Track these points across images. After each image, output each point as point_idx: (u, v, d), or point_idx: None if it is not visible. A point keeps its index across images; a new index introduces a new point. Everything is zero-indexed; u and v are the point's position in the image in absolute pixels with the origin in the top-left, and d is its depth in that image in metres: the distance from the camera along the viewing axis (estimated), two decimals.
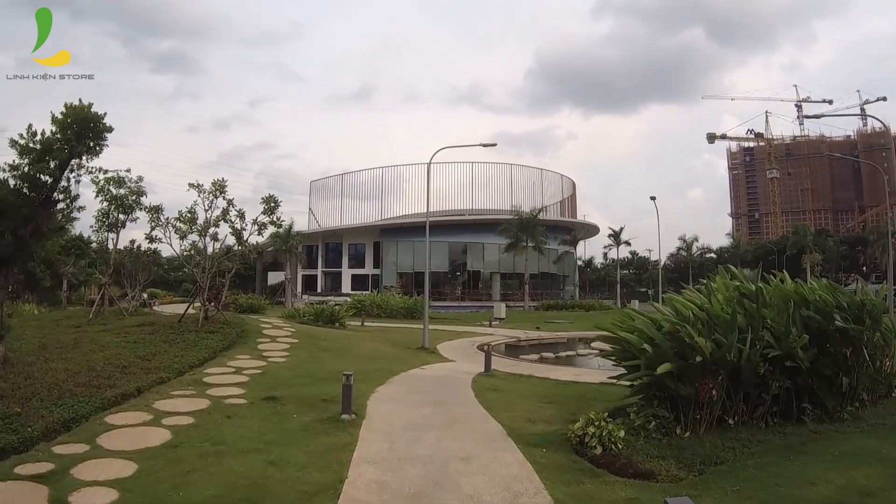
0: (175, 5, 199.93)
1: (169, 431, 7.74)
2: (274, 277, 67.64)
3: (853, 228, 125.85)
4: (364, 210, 67.68)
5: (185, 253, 17.34)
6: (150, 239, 17.45)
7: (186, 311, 17.67)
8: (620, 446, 6.75)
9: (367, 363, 14.43)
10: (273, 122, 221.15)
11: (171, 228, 16.80)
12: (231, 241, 17.84)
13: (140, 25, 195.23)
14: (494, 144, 21.86)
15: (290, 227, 57.26)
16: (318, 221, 68.55)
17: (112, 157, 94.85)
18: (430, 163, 20.80)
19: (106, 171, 12.54)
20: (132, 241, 20.44)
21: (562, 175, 73.41)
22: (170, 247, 17.42)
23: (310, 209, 70.85)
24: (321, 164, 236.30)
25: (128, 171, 17.94)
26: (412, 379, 12.80)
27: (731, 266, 9.66)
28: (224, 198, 16.47)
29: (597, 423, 6.97)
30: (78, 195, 13.50)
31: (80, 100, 11.54)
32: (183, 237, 16.68)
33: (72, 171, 12.23)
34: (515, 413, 9.33)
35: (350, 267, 65.14)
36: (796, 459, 6.46)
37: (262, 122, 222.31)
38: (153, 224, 17.08)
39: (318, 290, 62.03)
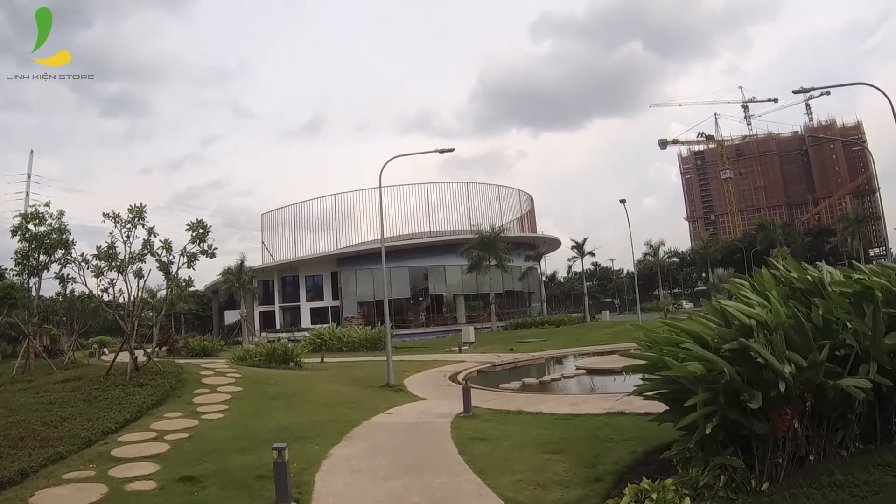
0: (121, 48, 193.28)
1: None
2: (231, 317, 64.45)
3: (808, 221, 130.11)
4: (321, 241, 65.38)
5: (102, 294, 14.86)
6: (61, 279, 14.98)
7: (114, 361, 15.33)
8: None
9: (323, 412, 12.19)
10: (226, 160, 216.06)
11: (84, 266, 14.38)
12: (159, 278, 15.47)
13: (88, 69, 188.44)
14: (452, 150, 19.85)
15: (242, 262, 54.92)
16: (272, 255, 65.79)
17: (63, 203, 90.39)
18: (381, 176, 18.78)
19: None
20: (63, 285, 17.68)
21: (519, 190, 72.78)
22: (84, 287, 15.06)
23: (262, 243, 68.28)
24: (277, 200, 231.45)
25: (47, 205, 15.54)
26: (377, 431, 10.45)
27: (775, 259, 7.92)
28: (144, 226, 14.15)
29: (654, 497, 4.86)
30: None
31: None
32: (99, 275, 14.22)
33: None
34: (517, 475, 7.06)
35: (308, 300, 62.51)
36: None
37: (215, 161, 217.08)
38: (63, 262, 14.64)
39: (277, 327, 59.04)
